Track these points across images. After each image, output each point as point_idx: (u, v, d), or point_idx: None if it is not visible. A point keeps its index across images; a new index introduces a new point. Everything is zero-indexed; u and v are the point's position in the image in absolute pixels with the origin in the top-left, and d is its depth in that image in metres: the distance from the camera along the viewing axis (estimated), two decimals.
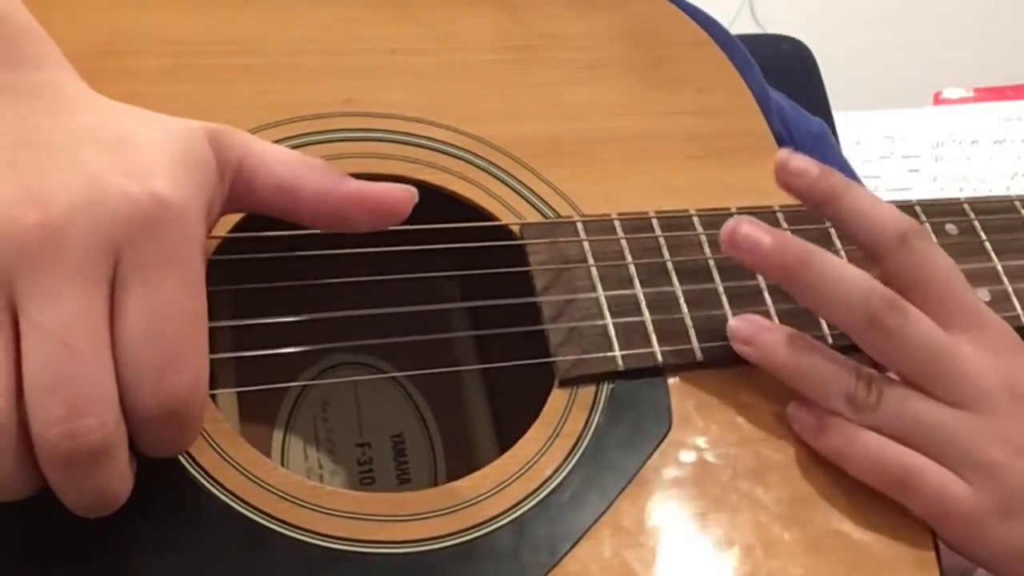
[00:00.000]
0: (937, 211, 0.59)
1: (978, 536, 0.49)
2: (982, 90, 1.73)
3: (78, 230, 0.35)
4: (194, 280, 0.38)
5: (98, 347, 0.35)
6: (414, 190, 0.44)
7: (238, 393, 0.55)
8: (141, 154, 0.38)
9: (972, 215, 0.59)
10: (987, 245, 0.58)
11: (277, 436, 0.57)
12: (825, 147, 0.81)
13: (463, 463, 0.58)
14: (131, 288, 0.36)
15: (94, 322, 0.35)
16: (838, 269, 0.49)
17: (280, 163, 0.42)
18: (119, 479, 0.37)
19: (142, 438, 0.38)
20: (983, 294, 0.56)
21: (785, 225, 0.55)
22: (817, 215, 0.53)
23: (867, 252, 0.52)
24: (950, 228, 0.58)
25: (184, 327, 0.37)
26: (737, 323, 0.51)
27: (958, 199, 0.60)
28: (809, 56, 1.37)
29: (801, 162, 0.51)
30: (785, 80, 0.86)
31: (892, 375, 0.51)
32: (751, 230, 0.49)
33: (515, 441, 0.48)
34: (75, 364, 0.35)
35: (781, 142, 0.62)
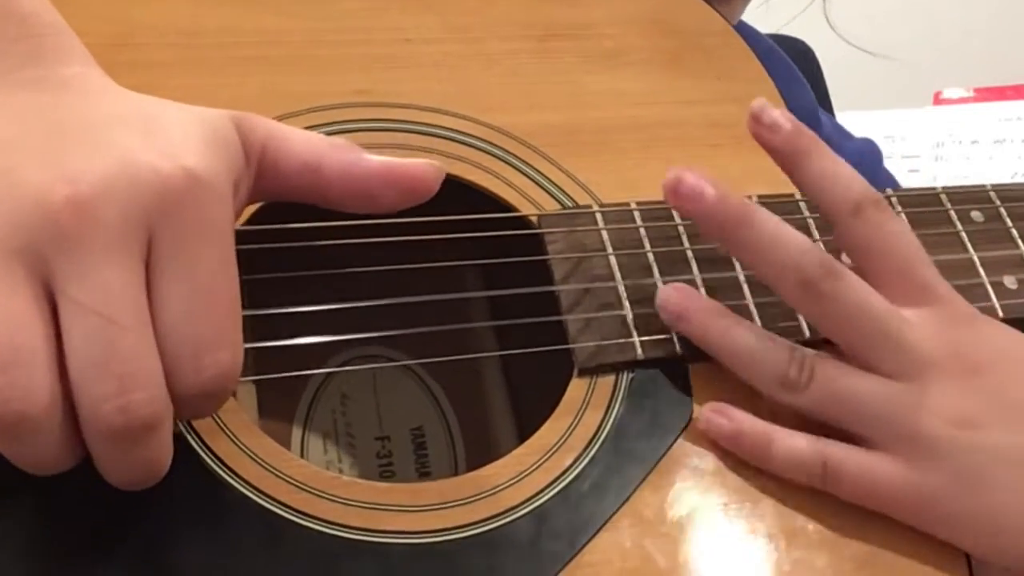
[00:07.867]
0: (963, 197, 0.58)
1: (936, 514, 0.47)
2: (982, 90, 1.71)
3: (110, 204, 0.35)
4: (229, 257, 0.38)
5: (141, 321, 0.35)
6: (441, 165, 0.43)
7: (257, 388, 0.55)
8: (170, 134, 0.38)
9: (998, 202, 0.58)
10: (1013, 232, 0.58)
11: (296, 431, 0.57)
12: (872, 163, 0.80)
13: (483, 456, 0.58)
14: (168, 265, 0.36)
15: (135, 296, 0.35)
16: (776, 230, 0.48)
17: (303, 143, 0.42)
18: (165, 451, 0.38)
19: (175, 412, 0.38)
20: (1010, 281, 0.55)
21: (807, 213, 0.55)
22: (784, 171, 0.52)
23: (824, 217, 0.51)
24: (976, 215, 0.57)
25: (222, 304, 0.37)
26: (668, 292, 0.50)
27: (983, 186, 0.59)
28: (812, 56, 1.36)
29: (775, 115, 0.50)
30: None
31: (827, 353, 0.49)
32: (696, 181, 0.48)
33: (535, 432, 0.48)
34: (121, 338, 0.35)
35: None
